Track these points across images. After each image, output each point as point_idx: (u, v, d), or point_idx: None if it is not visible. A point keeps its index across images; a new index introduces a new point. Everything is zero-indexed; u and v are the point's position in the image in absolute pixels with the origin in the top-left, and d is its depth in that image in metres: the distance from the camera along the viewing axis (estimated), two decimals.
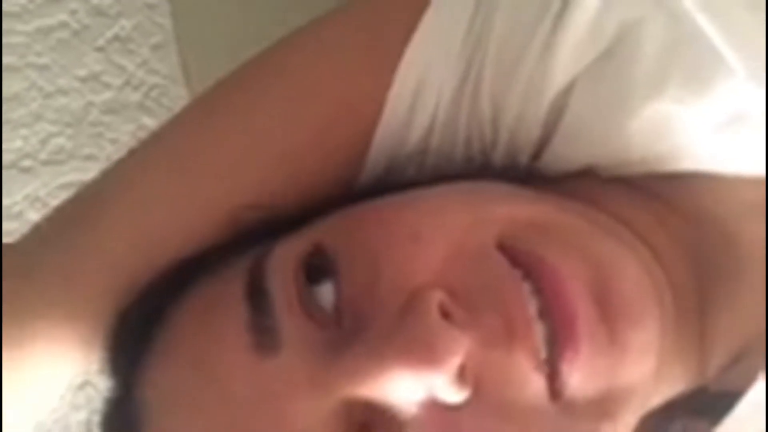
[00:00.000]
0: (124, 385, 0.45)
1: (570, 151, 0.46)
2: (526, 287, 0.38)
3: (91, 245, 0.44)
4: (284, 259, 0.40)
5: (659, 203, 0.46)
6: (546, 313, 0.38)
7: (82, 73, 0.68)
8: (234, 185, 0.45)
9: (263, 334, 0.38)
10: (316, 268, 0.40)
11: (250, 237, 0.44)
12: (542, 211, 0.41)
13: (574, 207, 0.43)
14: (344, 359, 0.37)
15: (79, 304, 0.44)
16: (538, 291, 0.38)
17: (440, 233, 0.40)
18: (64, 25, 0.66)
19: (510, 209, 0.41)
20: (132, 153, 0.48)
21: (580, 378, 0.38)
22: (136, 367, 0.43)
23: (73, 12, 0.66)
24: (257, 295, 0.39)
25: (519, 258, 0.39)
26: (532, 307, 0.38)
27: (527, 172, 0.48)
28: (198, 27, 0.71)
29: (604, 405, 0.38)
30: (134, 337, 0.44)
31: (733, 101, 0.41)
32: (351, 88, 0.46)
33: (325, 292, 0.39)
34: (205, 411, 0.39)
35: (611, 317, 0.38)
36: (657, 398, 0.43)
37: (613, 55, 0.43)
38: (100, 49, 0.67)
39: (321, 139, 0.46)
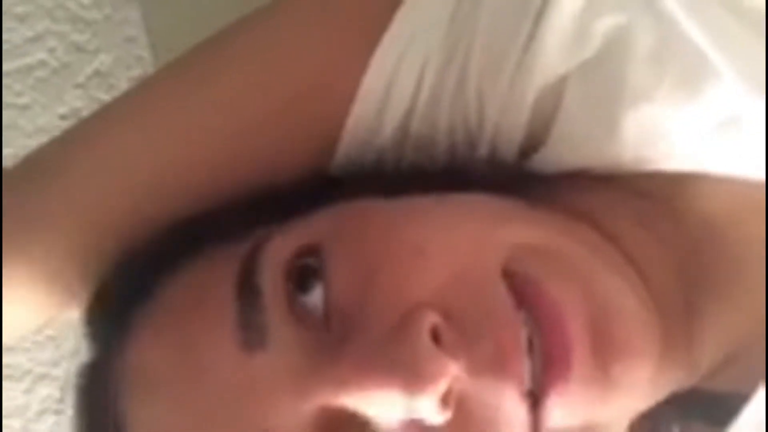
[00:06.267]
0: (105, 351, 0.44)
1: (563, 153, 0.46)
2: (520, 316, 0.38)
3: (58, 191, 0.45)
4: (277, 256, 0.40)
5: (649, 203, 0.45)
6: (539, 343, 0.38)
7: (63, 110, 0.67)
8: (200, 147, 0.45)
9: (251, 330, 0.39)
10: (308, 268, 0.40)
11: (249, 215, 0.44)
12: (548, 236, 0.41)
13: (576, 230, 0.43)
14: (330, 366, 0.37)
15: (49, 248, 0.45)
16: (534, 321, 0.38)
17: (447, 251, 0.39)
18: (42, 63, 0.66)
19: (519, 233, 0.41)
20: (99, 111, 0.49)
21: (564, 410, 0.38)
22: (120, 334, 0.43)
23: (52, 50, 0.66)
24: (248, 291, 0.39)
25: (518, 286, 0.39)
26: (523, 337, 0.38)
27: (517, 173, 0.47)
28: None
29: None
30: (123, 301, 0.43)
31: (724, 103, 0.41)
32: (327, 62, 0.45)
33: (316, 294, 0.39)
34: (184, 397, 0.39)
35: (606, 353, 0.38)
36: (646, 402, 0.42)
37: (603, 59, 0.43)
38: (80, 86, 0.67)
39: (291, 111, 0.45)
